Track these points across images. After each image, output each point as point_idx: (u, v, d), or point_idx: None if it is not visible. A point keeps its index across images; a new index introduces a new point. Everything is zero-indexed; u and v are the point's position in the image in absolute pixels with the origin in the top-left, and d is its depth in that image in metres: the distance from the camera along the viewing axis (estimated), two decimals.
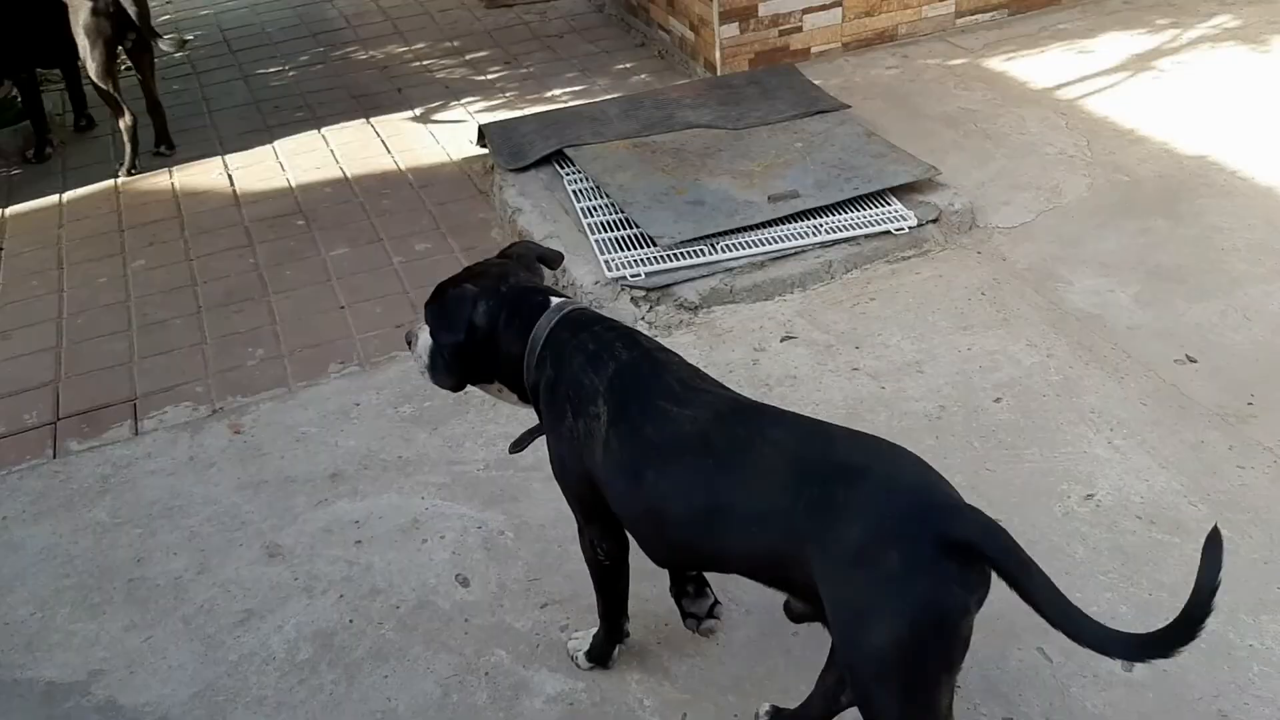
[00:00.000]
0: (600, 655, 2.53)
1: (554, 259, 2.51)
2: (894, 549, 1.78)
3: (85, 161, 5.60)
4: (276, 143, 5.57)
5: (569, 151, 4.60)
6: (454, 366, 2.31)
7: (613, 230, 4.08)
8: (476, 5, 7.31)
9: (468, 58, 6.52)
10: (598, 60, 6.28)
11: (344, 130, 5.66)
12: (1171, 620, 1.66)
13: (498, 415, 3.32)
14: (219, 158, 5.47)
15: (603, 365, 2.15)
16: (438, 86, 6.15)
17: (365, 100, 6.03)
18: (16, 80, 5.56)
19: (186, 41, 5.30)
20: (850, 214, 4.01)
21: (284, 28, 7.28)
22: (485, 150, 5.06)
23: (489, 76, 6.22)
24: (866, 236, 3.93)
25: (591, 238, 4.03)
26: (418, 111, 5.83)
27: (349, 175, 5.16)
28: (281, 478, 3.25)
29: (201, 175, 5.29)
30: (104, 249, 4.69)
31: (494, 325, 2.25)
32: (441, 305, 2.28)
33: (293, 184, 5.13)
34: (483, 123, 5.15)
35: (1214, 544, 1.65)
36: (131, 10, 5.04)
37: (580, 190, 4.39)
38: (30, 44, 5.40)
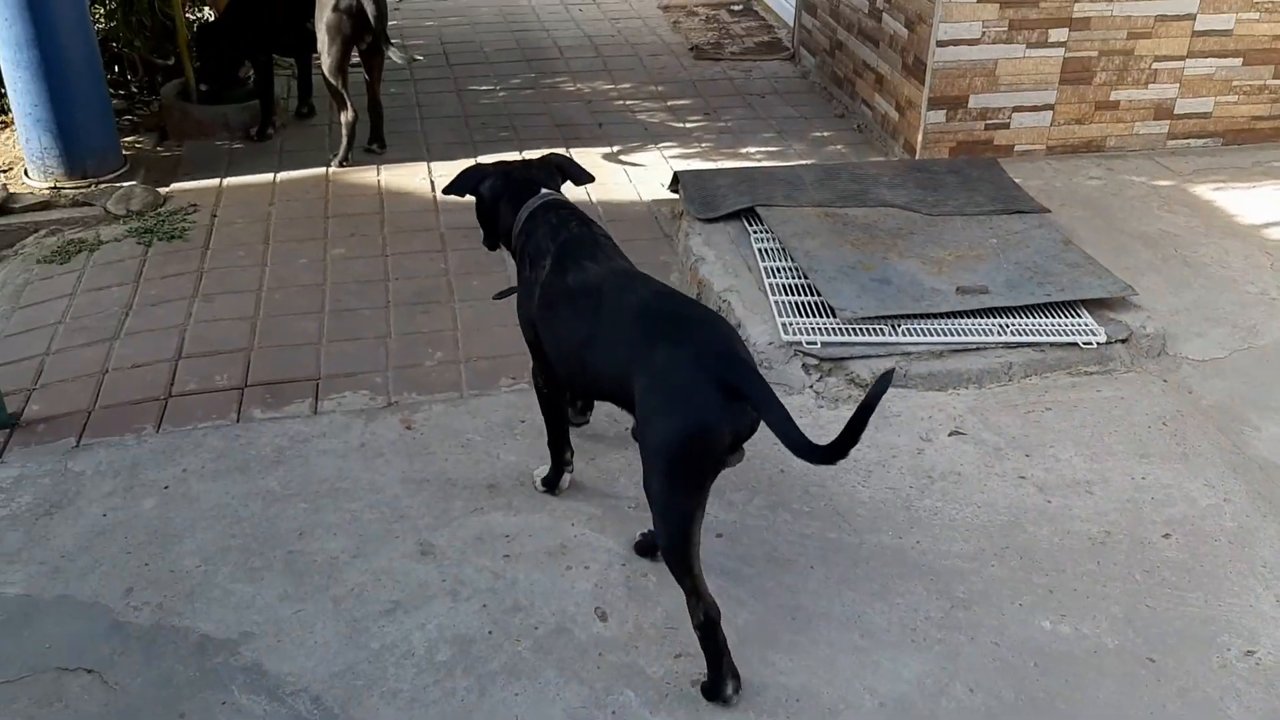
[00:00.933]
0: (551, 481, 3.28)
1: (579, 176, 3.26)
2: (682, 374, 2.45)
3: (302, 147, 5.92)
4: (480, 158, 5.77)
5: (760, 210, 4.66)
6: (481, 223, 3.18)
7: (794, 294, 4.11)
8: (685, 55, 7.47)
9: (670, 103, 6.66)
10: (795, 125, 6.35)
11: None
12: (840, 433, 2.26)
13: None
14: (424, 163, 5.70)
15: (558, 234, 2.91)
16: (637, 127, 6.30)
17: (567, 130, 6.22)
18: (255, 63, 5.93)
19: (415, 59, 5.59)
20: (1037, 319, 3.96)
21: (500, 50, 7.56)
22: (676, 195, 5.16)
23: (688, 125, 6.34)
24: (1052, 345, 3.86)
25: (771, 298, 4.07)
26: (615, 148, 5.97)
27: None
28: (443, 479, 3.35)
29: (407, 177, 5.52)
30: (308, 232, 4.94)
31: (496, 200, 3.09)
32: (460, 174, 3.16)
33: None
34: (679, 169, 5.26)
35: (886, 377, 2.28)
36: (371, 14, 5.32)
37: (766, 249, 4.44)
38: (275, 32, 5.76)
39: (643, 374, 2.53)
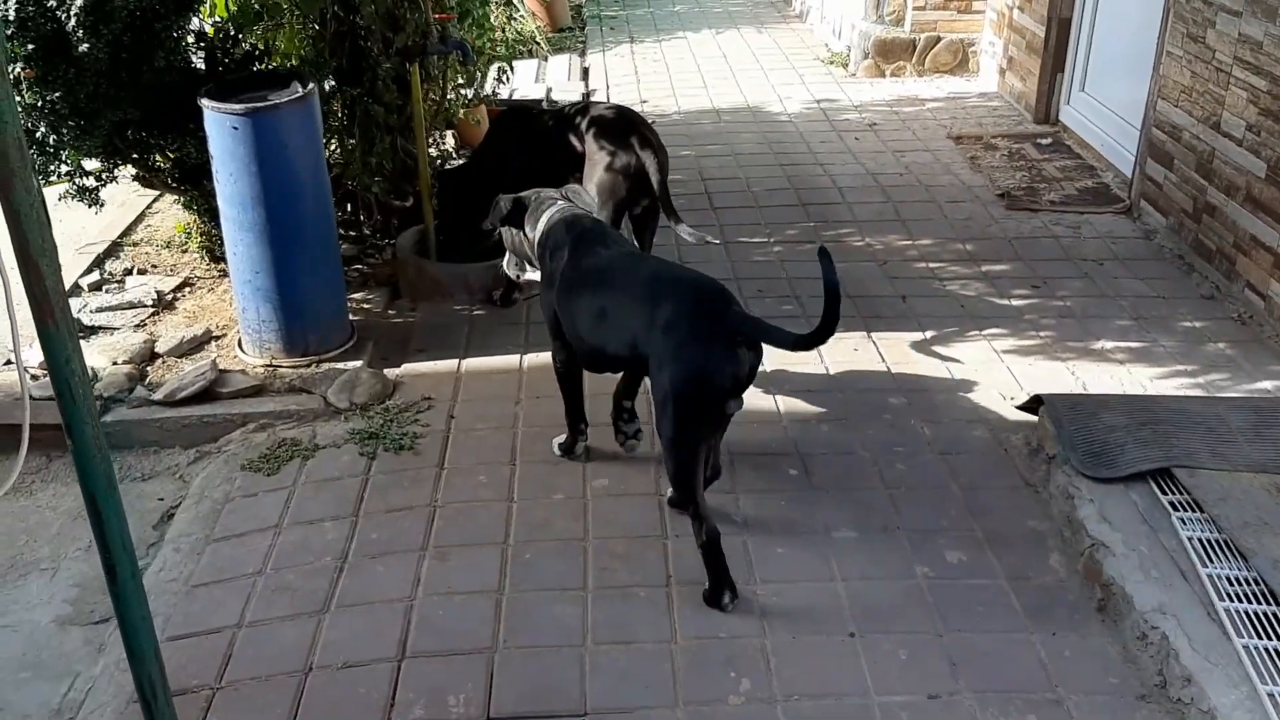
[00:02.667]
0: (568, 447, 3.83)
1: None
2: (687, 324, 3.03)
3: None
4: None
5: (1179, 473, 3.38)
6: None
7: (1273, 634, 2.80)
8: (994, 203, 6.25)
9: (984, 269, 5.45)
10: (1152, 307, 5.03)
11: (841, 342, 4.71)
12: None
13: None
14: None
15: (572, 229, 3.48)
16: (949, 302, 5.11)
17: (863, 304, 5.09)
18: None
19: (709, 241, 4.58)
20: None
21: (770, 190, 6.52)
22: (1033, 417, 3.95)
23: (1013, 301, 5.11)
24: None
25: (1236, 642, 2.78)
26: (928, 334, 4.80)
27: (849, 412, 4.18)
28: None
29: None
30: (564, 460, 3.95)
31: (521, 215, 3.71)
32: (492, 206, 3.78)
33: (780, 409, 4.21)
34: (1042, 393, 4.03)
35: (825, 255, 2.98)
36: (654, 178, 4.35)
37: (1203, 542, 3.15)
38: (533, 184, 4.87)
39: (649, 329, 3.07)
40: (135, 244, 5.76)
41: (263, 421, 4.19)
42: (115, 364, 4.47)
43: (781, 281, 5.34)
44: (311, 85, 4.24)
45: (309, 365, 4.48)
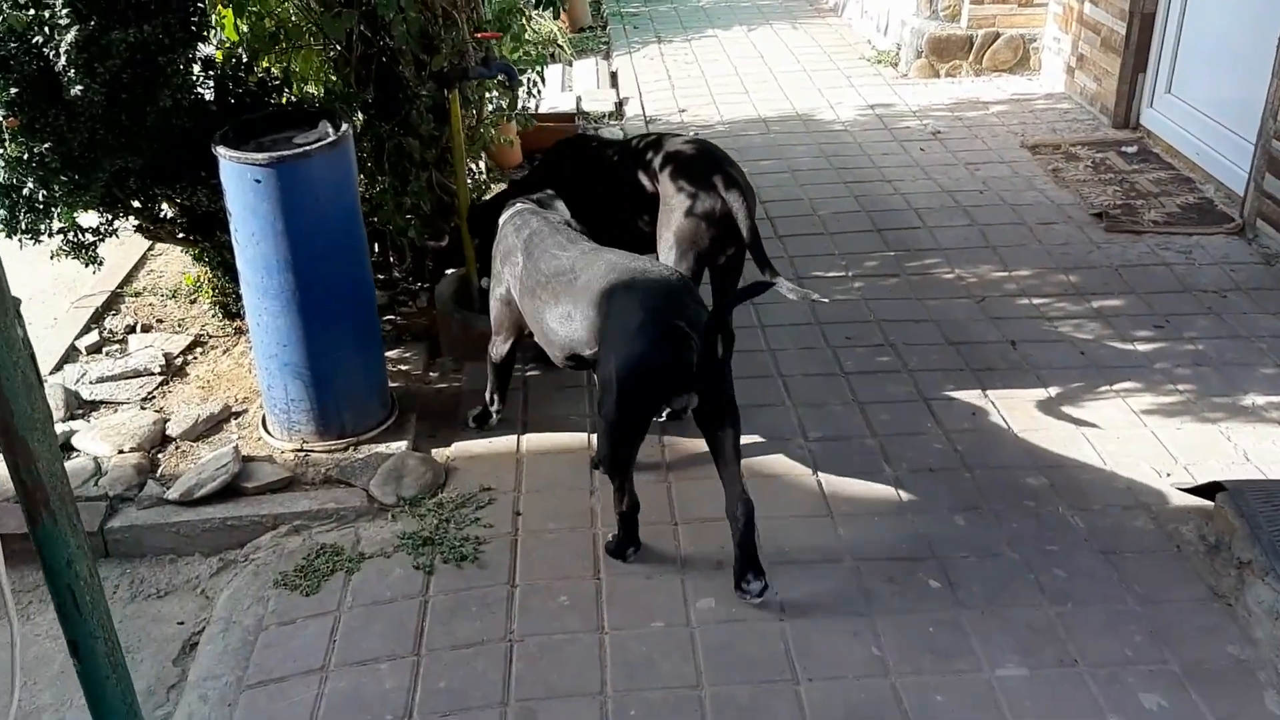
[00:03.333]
0: (482, 418, 3.98)
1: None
2: (637, 318, 3.02)
3: None
4: (867, 408, 4.08)
5: None
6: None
7: None
8: (1090, 224, 5.63)
9: (1095, 304, 4.83)
10: None
11: (954, 404, 4.10)
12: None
13: None
14: (792, 416, 4.04)
15: (520, 232, 3.58)
16: (1066, 349, 4.49)
17: (969, 352, 4.47)
18: None
19: (815, 299, 3.91)
20: None
21: (839, 212, 5.89)
22: (1201, 501, 3.35)
23: (1137, 346, 4.50)
24: None
25: None
26: (1051, 391, 4.18)
27: (984, 497, 3.57)
28: None
29: (773, 452, 3.86)
30: (655, 551, 3.34)
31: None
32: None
33: (902, 495, 3.60)
34: (1223, 480, 3.42)
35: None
36: (743, 224, 3.73)
37: None
38: (590, 221, 4.26)
39: (605, 322, 3.12)
40: (138, 294, 5.13)
41: (296, 523, 3.58)
42: (122, 452, 3.85)
43: (871, 326, 4.72)
44: (345, 127, 3.61)
45: (345, 449, 3.87)
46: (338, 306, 3.70)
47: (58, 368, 4.50)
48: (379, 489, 3.65)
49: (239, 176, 3.47)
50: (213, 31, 3.99)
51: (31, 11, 3.33)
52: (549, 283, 3.36)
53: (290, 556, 3.45)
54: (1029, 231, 5.56)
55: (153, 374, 4.37)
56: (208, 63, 4.13)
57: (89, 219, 3.98)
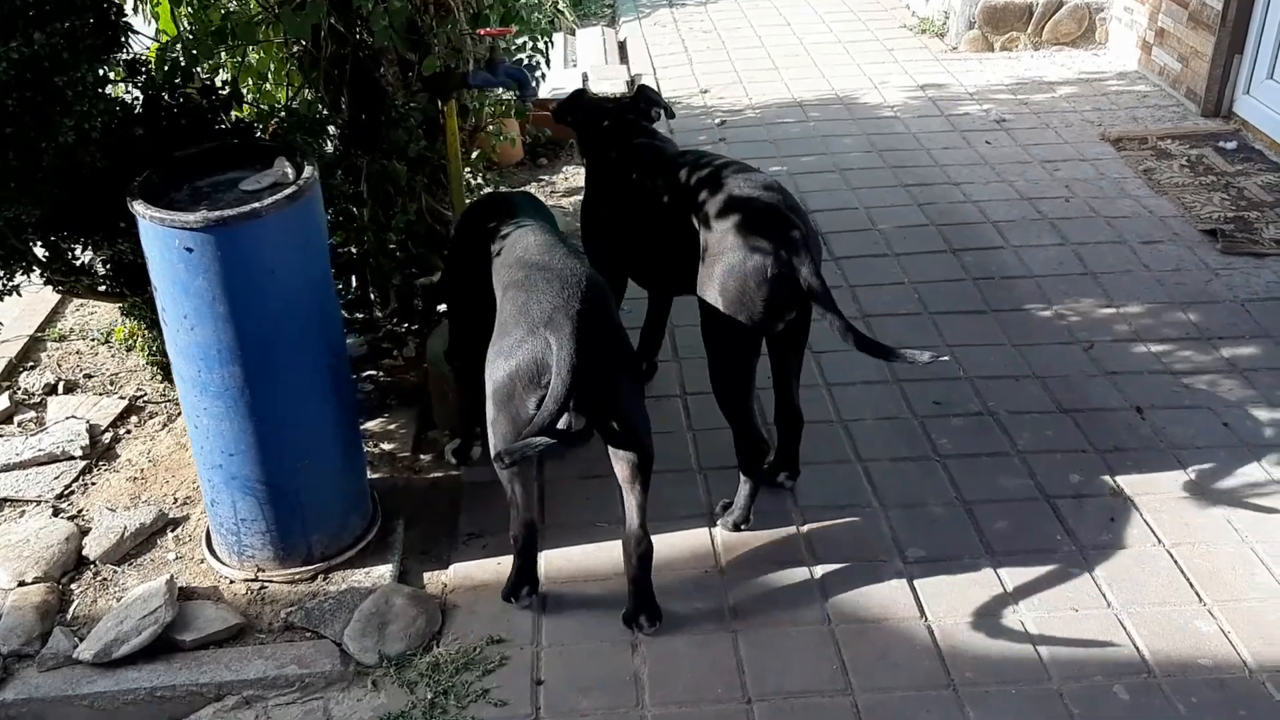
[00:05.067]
0: (462, 453, 3.43)
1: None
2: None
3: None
4: (976, 510, 3.23)
5: None
6: None
7: None
8: (1200, 242, 4.75)
9: (1225, 353, 3.98)
10: None
11: (1085, 505, 3.26)
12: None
13: None
14: (882, 523, 3.19)
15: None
16: (1203, 416, 3.65)
17: (1089, 424, 3.62)
18: None
19: (924, 360, 2.98)
20: None
21: (902, 226, 4.99)
22: None
23: None
24: None
25: None
26: (1197, 479, 3.35)
27: (1154, 657, 2.73)
28: None
29: (863, 580, 3.00)
30: (710, 658, 2.49)
31: None
32: None
33: (1043, 655, 2.74)
34: None
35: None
36: (808, 277, 2.83)
37: None
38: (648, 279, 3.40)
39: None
40: (63, 337, 4.24)
41: (247, 693, 2.72)
42: (23, 583, 2.98)
43: (962, 386, 3.85)
44: (309, 170, 2.69)
45: (312, 578, 3.01)
46: (302, 403, 2.82)
47: None
48: (356, 642, 2.79)
49: (164, 242, 2.56)
50: (132, 34, 3.04)
51: None
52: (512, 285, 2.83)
53: None
54: (1131, 253, 4.67)
55: (72, 458, 3.50)
56: (133, 66, 3.19)
57: None
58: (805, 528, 3.19)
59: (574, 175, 5.67)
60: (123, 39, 2.94)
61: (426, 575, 3.07)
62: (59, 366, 4.05)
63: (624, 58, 7.50)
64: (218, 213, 2.51)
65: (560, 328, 2.54)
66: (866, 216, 5.07)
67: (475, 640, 2.82)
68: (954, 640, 2.78)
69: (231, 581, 3.01)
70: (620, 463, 2.72)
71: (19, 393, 3.89)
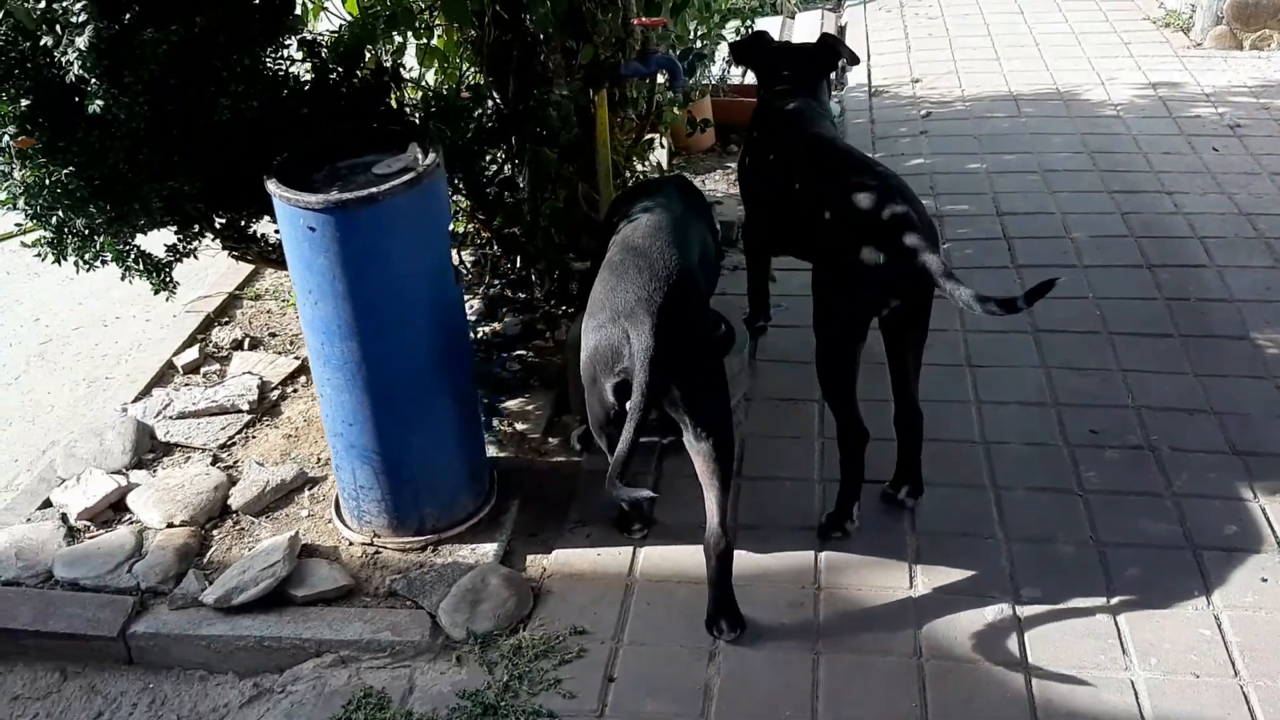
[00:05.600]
0: (585, 439, 3.33)
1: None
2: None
3: (773, 434, 3.43)
4: (1109, 555, 3.00)
5: None
6: None
7: None
8: None
9: None
10: None
11: (1234, 559, 2.98)
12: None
13: None
14: (1001, 555, 3.01)
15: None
16: None
17: (1261, 470, 3.31)
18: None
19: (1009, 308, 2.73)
20: None
21: (1098, 236, 4.66)
22: None
23: None
24: None
25: None
26: None
27: None
28: None
29: (962, 611, 2.85)
30: (785, 678, 2.44)
31: None
32: None
33: (1143, 692, 2.53)
34: None
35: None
36: (926, 257, 2.68)
37: None
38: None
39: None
40: (257, 297, 4.56)
41: (344, 653, 2.87)
42: (171, 525, 3.25)
43: (1127, 415, 3.58)
44: (433, 157, 2.79)
45: (423, 548, 3.13)
46: (418, 383, 2.93)
47: (146, 392, 3.96)
48: (448, 616, 2.89)
49: (291, 221, 2.72)
50: (311, 19, 3.22)
51: (42, 4, 2.65)
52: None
53: (329, 699, 2.76)
54: None
55: (240, 411, 3.76)
56: (312, 46, 3.37)
57: (163, 237, 3.33)
58: (917, 552, 3.05)
59: None
60: (289, 22, 3.10)
61: (530, 558, 3.14)
62: (249, 324, 4.37)
63: None
64: (337, 195, 2.63)
65: (640, 322, 2.56)
66: (1061, 223, 4.76)
67: (560, 629, 2.86)
68: (1051, 694, 2.61)
69: (351, 544, 3.17)
70: (698, 457, 2.69)
71: (210, 345, 4.21)
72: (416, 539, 3.13)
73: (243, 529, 3.27)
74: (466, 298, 4.40)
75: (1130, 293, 4.22)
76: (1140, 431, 3.48)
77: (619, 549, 3.12)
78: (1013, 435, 3.50)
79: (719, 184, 5.38)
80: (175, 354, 4.16)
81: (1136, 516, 3.14)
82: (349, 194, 2.64)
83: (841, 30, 7.60)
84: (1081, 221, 4.75)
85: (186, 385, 4.00)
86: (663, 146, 5.32)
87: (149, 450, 3.63)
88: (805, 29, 7.46)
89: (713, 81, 5.64)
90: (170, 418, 3.77)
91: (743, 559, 2.96)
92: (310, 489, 3.41)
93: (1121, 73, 6.34)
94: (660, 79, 3.81)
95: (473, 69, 3.82)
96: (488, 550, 3.11)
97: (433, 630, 2.87)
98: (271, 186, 2.72)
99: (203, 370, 4.08)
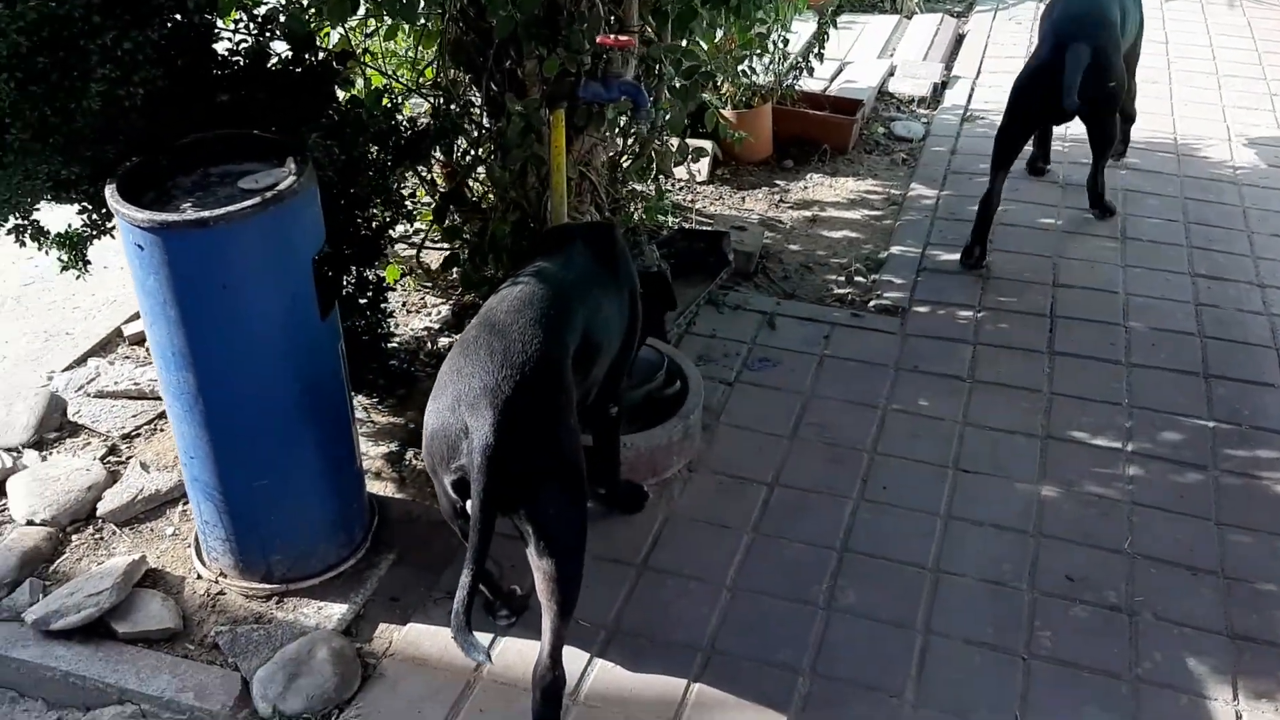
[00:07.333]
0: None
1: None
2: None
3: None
4: None
5: None
6: None
7: None
8: None
9: None
10: None
11: None
12: None
13: None
14: (905, 693, 2.57)
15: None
16: None
17: (1254, 656, 2.73)
18: None
19: None
20: None
21: (1159, 329, 4.04)
22: None
23: None
24: None
25: None
26: None
27: None
28: None
29: None
30: None
31: None
32: None
33: None
34: None
35: None
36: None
37: None
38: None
39: None
40: None
41: (144, 707, 2.61)
42: (30, 523, 3.05)
43: (1118, 561, 3.06)
44: (291, 179, 2.45)
45: (268, 597, 2.85)
46: (266, 424, 2.63)
47: (81, 360, 3.79)
48: (261, 686, 2.61)
49: (124, 234, 2.44)
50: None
51: None
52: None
53: None
54: None
55: (157, 399, 3.54)
56: (264, 22, 3.08)
57: (67, 214, 3.10)
58: (805, 700, 2.61)
59: (815, 186, 5.09)
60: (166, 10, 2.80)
61: (382, 626, 2.82)
62: None
63: (953, 55, 6.67)
64: (162, 215, 2.33)
65: (481, 415, 2.20)
66: (1121, 306, 4.16)
67: None
68: None
69: (199, 577, 2.92)
70: (537, 573, 2.36)
71: None
72: (264, 586, 2.85)
73: (101, 539, 3.05)
74: (437, 305, 4.10)
75: (1173, 406, 3.63)
76: (1124, 588, 2.95)
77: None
78: (971, 568, 3.01)
79: (758, 204, 4.91)
80: (126, 321, 3.97)
81: (1082, 701, 2.63)
82: (172, 215, 2.33)
83: (960, 39, 6.94)
84: (1145, 308, 4.13)
85: (125, 359, 3.81)
86: (705, 155, 4.88)
87: (55, 429, 3.45)
88: (921, 33, 6.84)
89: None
90: (89, 394, 3.59)
91: (601, 674, 2.59)
92: (185, 504, 3.16)
93: (1256, 129, 5.56)
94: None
95: (441, 64, 3.47)
96: (333, 614, 2.80)
97: (239, 699, 2.60)
98: (109, 192, 2.43)
99: (146, 343, 3.87)
